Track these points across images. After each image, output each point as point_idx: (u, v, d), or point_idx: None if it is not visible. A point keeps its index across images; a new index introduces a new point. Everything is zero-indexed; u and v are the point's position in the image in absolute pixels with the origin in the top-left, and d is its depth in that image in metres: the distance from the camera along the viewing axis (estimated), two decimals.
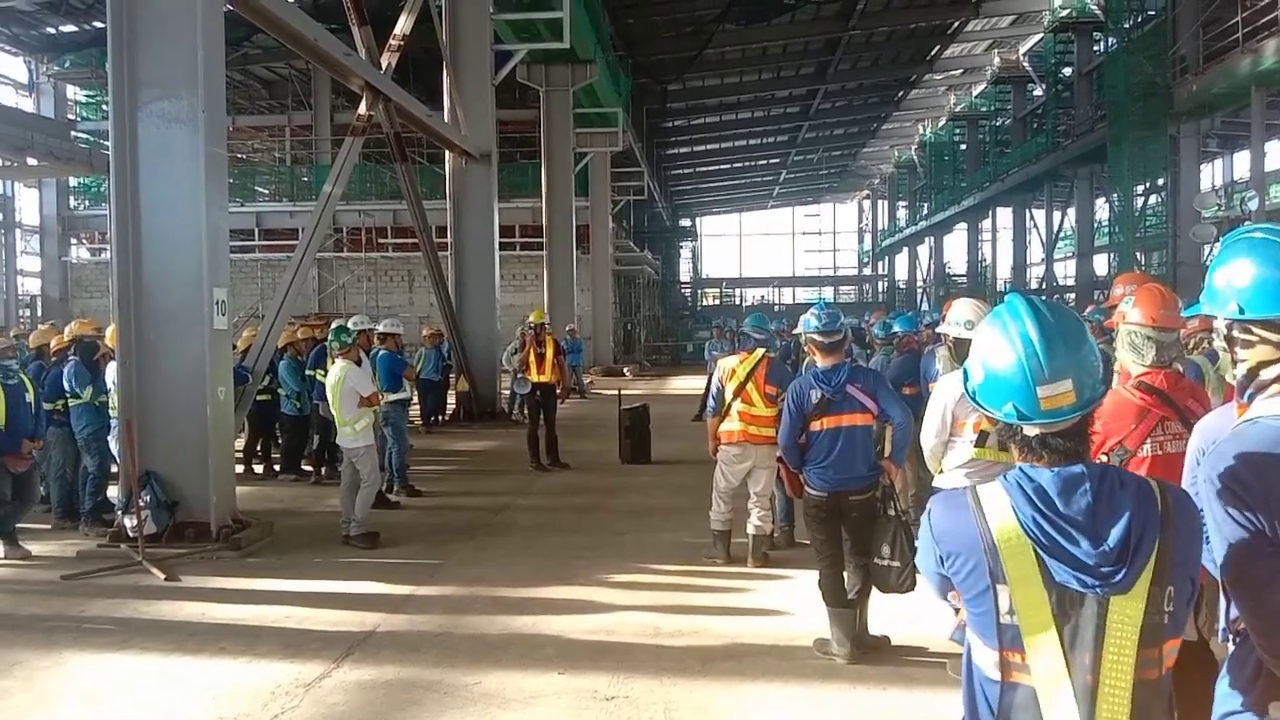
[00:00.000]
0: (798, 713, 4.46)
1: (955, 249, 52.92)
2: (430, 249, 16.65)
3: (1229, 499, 1.84)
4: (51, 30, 27.81)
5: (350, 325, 8.88)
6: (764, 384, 6.80)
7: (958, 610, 1.86)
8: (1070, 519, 1.68)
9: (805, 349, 5.54)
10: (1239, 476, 1.84)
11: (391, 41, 14.71)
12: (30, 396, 7.67)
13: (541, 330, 11.55)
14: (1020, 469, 1.77)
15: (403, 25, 15.00)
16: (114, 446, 8.32)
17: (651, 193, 42.08)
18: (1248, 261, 2.02)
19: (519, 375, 11.74)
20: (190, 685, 4.87)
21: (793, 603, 5.90)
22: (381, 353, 10.05)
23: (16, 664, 5.13)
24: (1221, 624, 1.98)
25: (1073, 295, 32.10)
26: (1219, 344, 3.62)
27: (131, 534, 7.27)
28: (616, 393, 13.90)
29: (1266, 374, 2.01)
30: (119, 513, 7.67)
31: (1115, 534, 1.67)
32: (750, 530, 6.90)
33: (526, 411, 12.23)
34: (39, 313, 29.73)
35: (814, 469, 5.11)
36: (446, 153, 17.97)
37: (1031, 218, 39.82)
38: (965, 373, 1.93)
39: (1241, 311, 2.02)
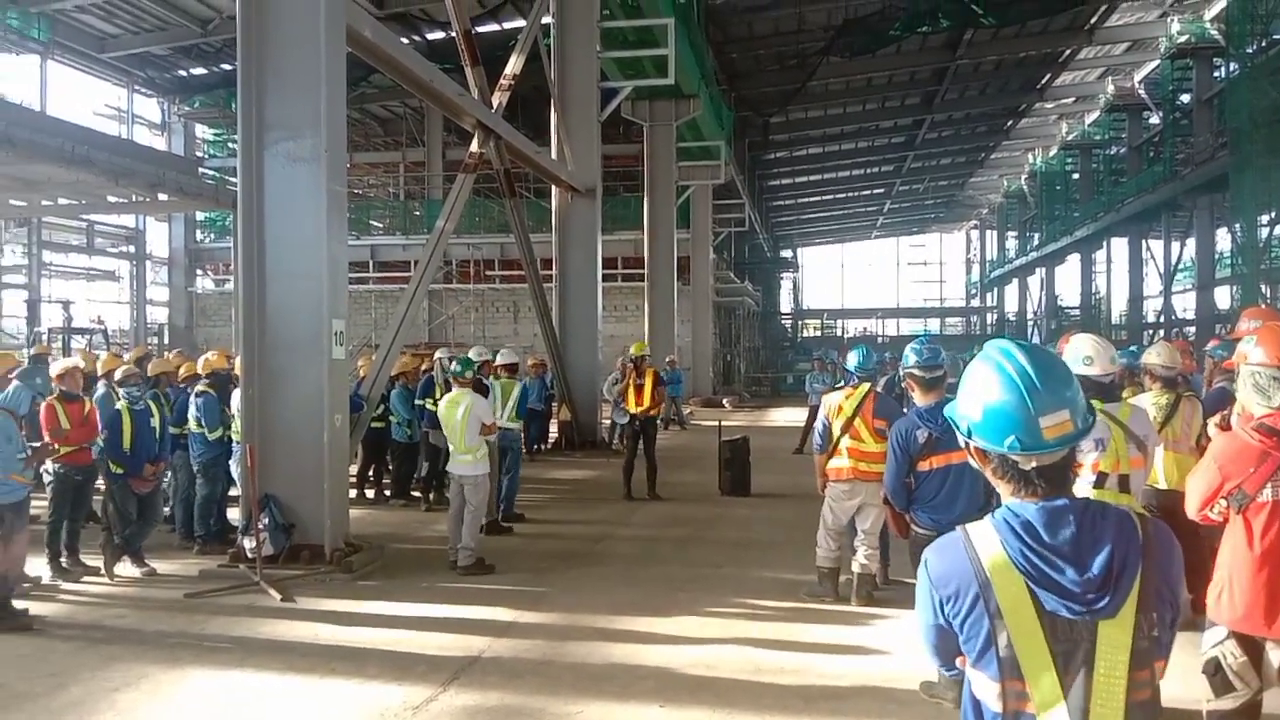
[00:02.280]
0: None
1: (1068, 281, 51.36)
2: (536, 281, 16.98)
3: None
4: (183, 73, 29.48)
5: (472, 356, 9.13)
6: (872, 419, 6.70)
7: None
8: (1056, 549, 1.76)
9: (905, 386, 5.45)
10: None
11: (502, 81, 15.15)
12: (155, 421, 8.10)
13: (641, 362, 11.68)
14: (1006, 507, 1.85)
15: (513, 65, 15.43)
16: (235, 470, 8.69)
17: (753, 224, 42.05)
18: None
19: (619, 405, 11.91)
20: (303, 705, 5.05)
21: (898, 643, 5.79)
22: (526, 380, 10.29)
23: (144, 677, 5.40)
24: None
25: (1193, 329, 30.78)
26: None
27: (250, 555, 7.57)
28: (716, 424, 13.89)
29: None
30: (239, 534, 8.00)
31: (1098, 562, 1.74)
32: (855, 568, 6.80)
33: (625, 441, 12.35)
34: (165, 340, 31.28)
35: (923, 509, 5.03)
36: (553, 187, 18.34)
37: (1148, 249, 38.38)
38: (953, 415, 1.97)
39: None
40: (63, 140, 16.26)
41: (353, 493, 10.72)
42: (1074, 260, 46.71)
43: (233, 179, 10.68)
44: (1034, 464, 1.82)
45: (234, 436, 8.68)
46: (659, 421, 11.78)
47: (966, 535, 1.84)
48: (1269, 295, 24.88)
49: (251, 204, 8.12)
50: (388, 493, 11.76)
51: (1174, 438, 5.79)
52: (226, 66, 25.74)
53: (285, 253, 8.13)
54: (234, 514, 8.64)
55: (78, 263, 30.41)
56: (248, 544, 7.65)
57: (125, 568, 7.79)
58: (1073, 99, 42.37)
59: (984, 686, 1.82)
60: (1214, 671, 3.51)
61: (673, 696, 5.07)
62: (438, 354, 12.13)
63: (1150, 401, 5.57)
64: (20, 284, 26.39)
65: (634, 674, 5.42)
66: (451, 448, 8.30)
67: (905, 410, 6.39)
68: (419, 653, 5.83)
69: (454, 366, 8.82)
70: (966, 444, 1.93)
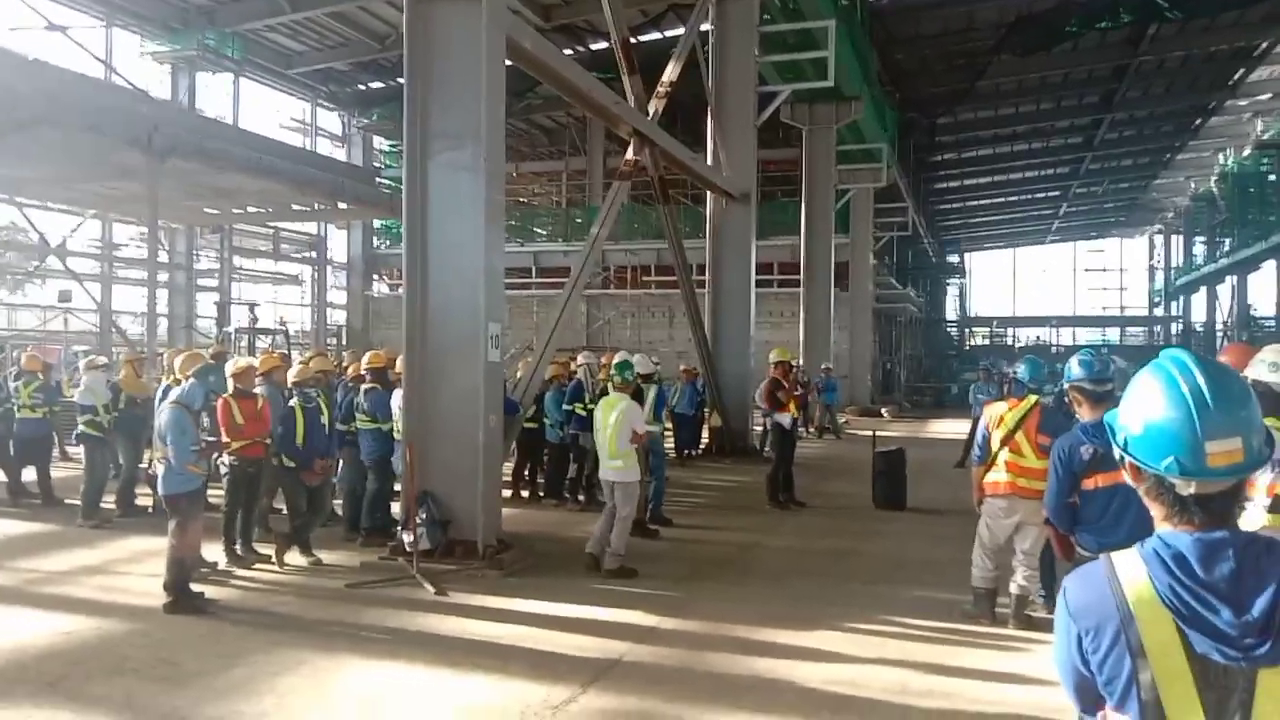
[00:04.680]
0: None
1: (1262, 289, 47.64)
2: (689, 287, 17.02)
3: None
4: (362, 87, 31.07)
5: (635, 361, 9.19)
6: (1035, 434, 6.33)
7: None
8: (1211, 586, 1.58)
9: (1070, 399, 5.13)
10: None
11: (659, 88, 15.25)
12: (325, 419, 8.53)
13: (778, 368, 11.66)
14: (1158, 536, 1.67)
15: (670, 72, 15.52)
16: (397, 467, 9.06)
17: (917, 228, 40.88)
18: None
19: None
20: (449, 697, 5.19)
21: (1055, 671, 5.46)
22: (664, 384, 10.37)
23: (302, 663, 5.68)
24: None
25: None
26: None
27: (409, 549, 7.86)
28: (872, 434, 13.55)
29: None
30: (399, 529, 8.33)
31: (1260, 605, 1.55)
32: (1014, 590, 6.48)
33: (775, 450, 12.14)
34: (344, 341, 33.00)
35: (1089, 530, 4.75)
36: (708, 193, 18.34)
37: None
38: (1112, 423, 1.80)
39: None
40: (251, 151, 17.43)
41: (507, 492, 11.00)
42: (1269, 268, 43.31)
43: None
44: (1193, 490, 1.65)
45: (396, 436, 9.03)
46: (810, 430, 11.57)
47: (1110, 564, 1.69)
48: None
49: (416, 211, 8.45)
50: (541, 493, 12.00)
51: None
52: (402, 80, 26.95)
53: (446, 258, 8.41)
54: (395, 509, 9.00)
55: (265, 267, 32.44)
56: (406, 538, 7.93)
57: (294, 557, 8.24)
58: (1269, 95, 39.23)
59: None
60: None
61: (813, 713, 4.95)
62: (580, 358, 12.28)
63: None
64: (212, 286, 28.36)
65: (774, 687, 5.33)
66: (602, 452, 8.39)
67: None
68: (562, 652, 5.91)
69: (613, 373, 8.87)
70: (1121, 457, 1.77)
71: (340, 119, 33.30)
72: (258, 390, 8.38)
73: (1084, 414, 4.86)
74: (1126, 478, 1.79)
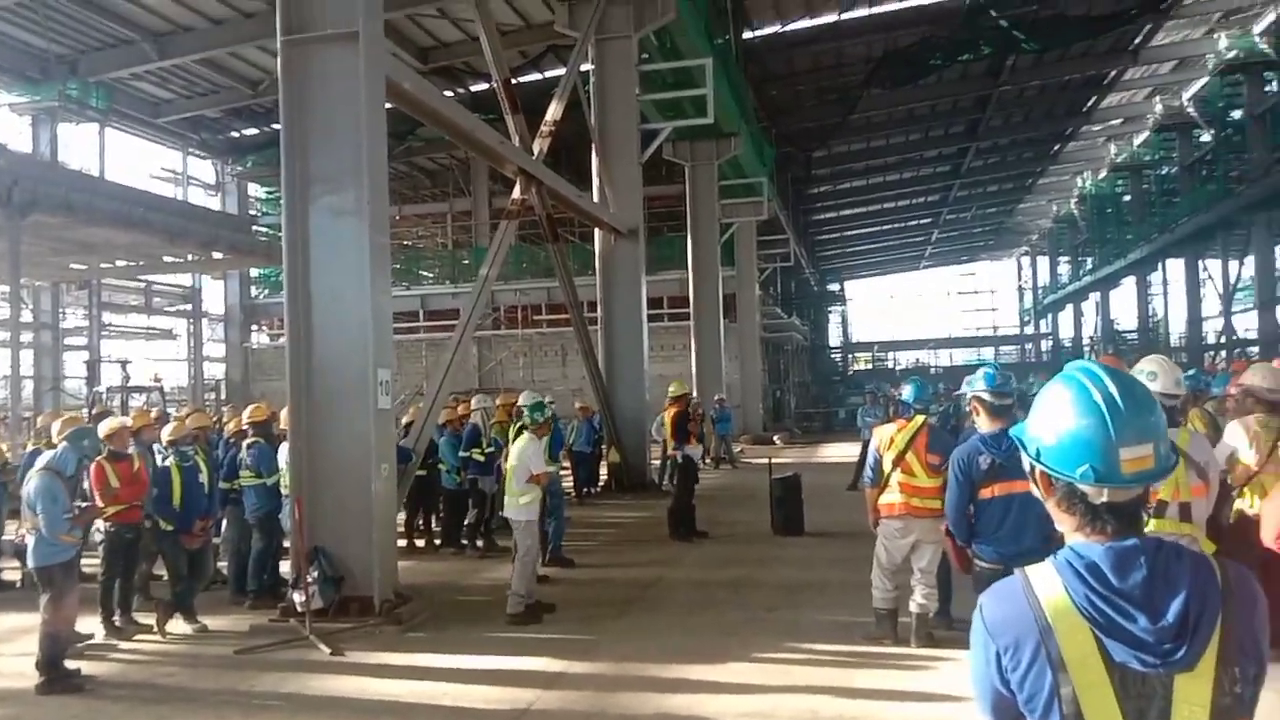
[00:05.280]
0: None
1: (1124, 305, 50.37)
2: (581, 324, 17.01)
3: None
4: (235, 134, 30.25)
5: (523, 401, 9.08)
6: (925, 453, 6.49)
7: None
8: (1126, 594, 1.59)
9: (969, 410, 5.28)
10: None
11: (543, 128, 15.27)
12: (204, 477, 8.17)
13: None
14: (1071, 547, 1.68)
15: (553, 112, 15.56)
16: (285, 523, 8.71)
17: (798, 259, 41.89)
18: None
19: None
20: None
21: (963, 688, 5.55)
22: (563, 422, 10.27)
23: None
24: None
25: (1256, 349, 29.91)
26: None
27: (300, 609, 7.54)
28: (767, 461, 13.70)
29: None
30: (289, 588, 7.99)
31: (1174, 608, 1.57)
32: (914, 609, 6.57)
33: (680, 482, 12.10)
34: (223, 395, 31.80)
35: (987, 541, 4.86)
36: (596, 230, 18.41)
37: (1205, 269, 37.53)
38: (1021, 436, 1.81)
39: None
40: (119, 204, 16.75)
41: (401, 542, 10.70)
42: (1129, 284, 45.83)
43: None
44: (1105, 498, 1.66)
45: (283, 490, 8.70)
46: (705, 461, 11.64)
47: (1025, 578, 1.68)
48: None
49: (297, 257, 8.22)
50: (437, 541, 11.72)
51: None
52: (276, 126, 26.34)
53: (331, 304, 8.20)
54: (284, 568, 8.65)
55: (136, 322, 31.15)
56: (297, 598, 7.61)
57: (177, 625, 7.81)
58: (1120, 120, 41.79)
59: None
60: None
61: None
62: (474, 401, 12.09)
63: (1259, 425, 5.26)
64: (81, 344, 27.03)
65: None
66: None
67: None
68: (467, 706, 5.74)
69: (527, 416, 8.76)
70: (1032, 468, 1.77)
71: (214, 167, 32.31)
72: (132, 451, 7.96)
73: (982, 425, 4.99)
74: (1036, 491, 1.79)
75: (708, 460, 20.67)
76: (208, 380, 33.36)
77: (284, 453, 8.58)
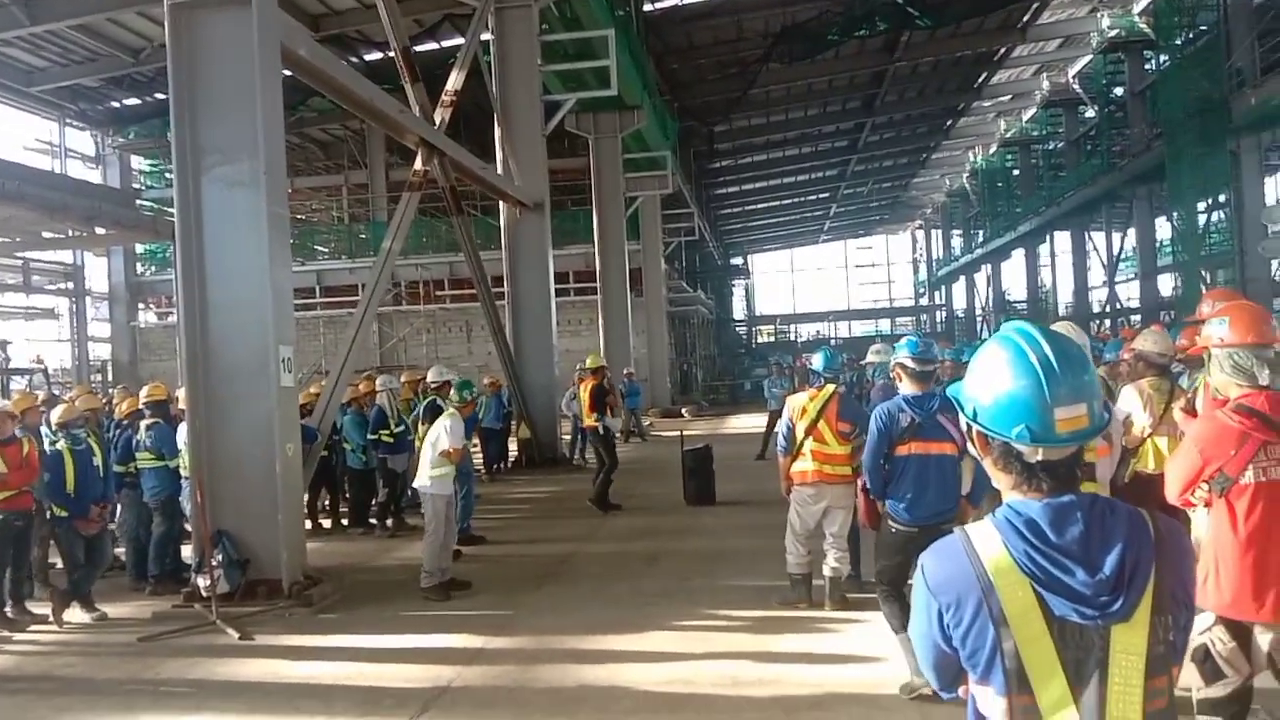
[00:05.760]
0: None
1: (1014, 276, 52.09)
2: (488, 299, 16.79)
3: None
4: (116, 104, 28.82)
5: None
6: (836, 421, 6.60)
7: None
8: (1064, 549, 1.64)
9: (894, 375, 5.41)
10: None
11: (444, 98, 14.94)
12: (98, 460, 7.82)
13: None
14: (1008, 505, 1.73)
15: (454, 81, 15.23)
16: (186, 507, 8.40)
17: (702, 233, 42.13)
18: None
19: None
20: None
21: (877, 647, 5.68)
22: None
23: None
24: None
25: (1138, 317, 31.35)
26: None
27: (205, 594, 7.29)
28: (678, 434, 13.79)
29: None
30: (192, 573, 7.72)
31: (1110, 562, 1.63)
32: (827, 572, 6.70)
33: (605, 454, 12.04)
34: (109, 377, 30.49)
35: (898, 501, 4.99)
36: (500, 203, 18.16)
37: (1091, 241, 39.10)
38: (958, 396, 1.85)
39: None
40: None
41: (308, 524, 10.45)
42: (1019, 255, 47.45)
43: (171, 210, 10.38)
44: (1040, 457, 1.70)
45: (183, 473, 8.39)
46: (619, 434, 11.64)
47: (966, 536, 1.72)
48: (1209, 281, 25.33)
49: (190, 231, 7.89)
50: (344, 522, 11.48)
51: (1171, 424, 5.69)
52: (160, 96, 25.19)
53: (227, 280, 7.91)
54: (186, 552, 8.35)
55: (14, 302, 29.56)
56: (202, 582, 7.36)
57: (75, 613, 7.48)
58: (1009, 96, 43.05)
59: (990, 703, 1.68)
60: (1203, 659, 3.46)
61: (652, 715, 4.93)
62: (379, 381, 11.81)
63: (1151, 388, 5.48)
64: None
65: (610, 695, 5.27)
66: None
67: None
68: (386, 686, 5.63)
69: (454, 394, 8.79)
70: (969, 428, 1.80)
71: (93, 138, 30.76)
72: (19, 435, 7.54)
73: (906, 388, 5.14)
74: (972, 449, 1.83)
75: (619, 434, 20.74)
76: (93, 361, 31.91)
77: (183, 433, 8.26)
